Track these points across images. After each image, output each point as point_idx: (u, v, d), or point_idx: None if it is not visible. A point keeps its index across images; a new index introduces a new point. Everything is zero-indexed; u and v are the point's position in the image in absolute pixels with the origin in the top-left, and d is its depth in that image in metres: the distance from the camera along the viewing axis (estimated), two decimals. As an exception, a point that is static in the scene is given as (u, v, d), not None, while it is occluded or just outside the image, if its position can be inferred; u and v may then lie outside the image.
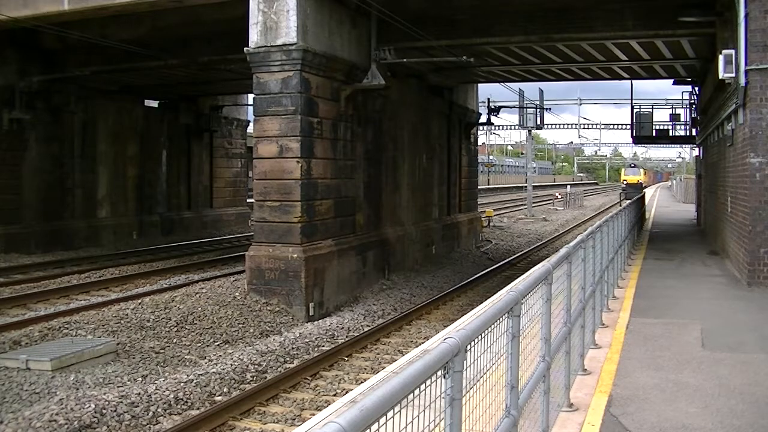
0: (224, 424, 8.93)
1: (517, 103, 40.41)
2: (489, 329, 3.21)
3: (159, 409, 9.07)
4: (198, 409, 9.39)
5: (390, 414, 2.03)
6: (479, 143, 37.31)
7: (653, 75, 26.30)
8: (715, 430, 5.50)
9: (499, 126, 72.00)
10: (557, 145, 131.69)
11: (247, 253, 15.62)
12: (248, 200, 30.25)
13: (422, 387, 2.32)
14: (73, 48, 20.74)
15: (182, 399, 9.50)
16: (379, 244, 19.25)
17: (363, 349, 12.96)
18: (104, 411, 8.63)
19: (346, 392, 9.40)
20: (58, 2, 16.84)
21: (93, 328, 12.87)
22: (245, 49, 15.25)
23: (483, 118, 32.14)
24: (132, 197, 27.12)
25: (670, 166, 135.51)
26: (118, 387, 9.76)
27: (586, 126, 72.93)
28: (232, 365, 10.97)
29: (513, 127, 63.83)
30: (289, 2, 14.81)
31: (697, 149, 34.10)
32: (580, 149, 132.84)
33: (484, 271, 22.13)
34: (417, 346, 10.65)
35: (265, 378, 10.83)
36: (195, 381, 10.04)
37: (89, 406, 8.63)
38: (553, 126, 70.35)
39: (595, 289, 7.71)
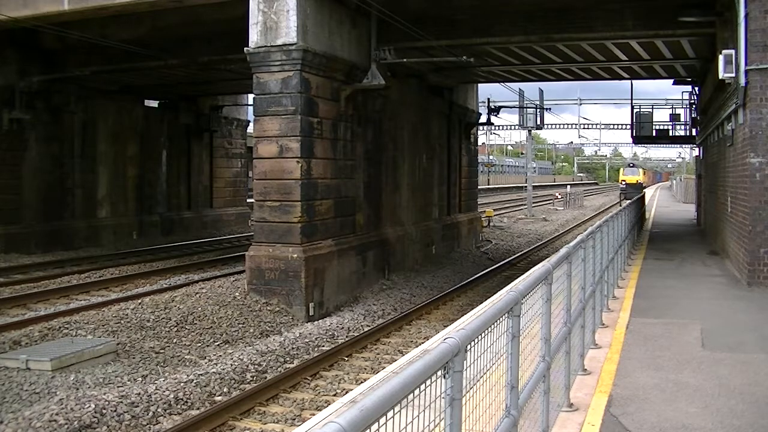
0: (224, 424, 8.93)
1: (517, 103, 40.40)
2: (489, 329, 3.21)
3: (159, 409, 9.07)
4: (198, 409, 9.39)
5: (390, 414, 2.03)
6: (479, 143, 37.32)
7: (653, 75, 26.30)
8: (715, 430, 5.50)
9: (499, 126, 72.09)
10: (557, 145, 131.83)
11: (247, 253, 15.62)
12: (248, 200, 30.24)
13: (422, 387, 2.32)
14: (73, 48, 20.74)
15: (182, 399, 9.51)
16: (379, 244, 19.25)
17: (363, 349, 12.96)
18: (104, 411, 8.63)
19: (346, 392, 9.39)
20: (58, 2, 16.84)
21: (93, 328, 12.87)
22: (245, 49, 15.25)
23: (483, 118, 32.14)
24: (132, 197, 27.12)
25: (670, 166, 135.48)
26: (118, 387, 9.76)
27: (586, 126, 72.98)
28: (232, 365, 10.97)
29: (513, 127, 63.88)
30: (289, 2, 14.81)
31: (697, 149, 34.11)
32: (580, 149, 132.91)
33: (484, 271, 22.12)
34: (417, 346, 10.65)
35: (265, 378, 10.82)
36: (195, 381, 10.04)
37: (89, 406, 8.63)
38: (553, 126, 70.36)
39: (595, 289, 7.71)
